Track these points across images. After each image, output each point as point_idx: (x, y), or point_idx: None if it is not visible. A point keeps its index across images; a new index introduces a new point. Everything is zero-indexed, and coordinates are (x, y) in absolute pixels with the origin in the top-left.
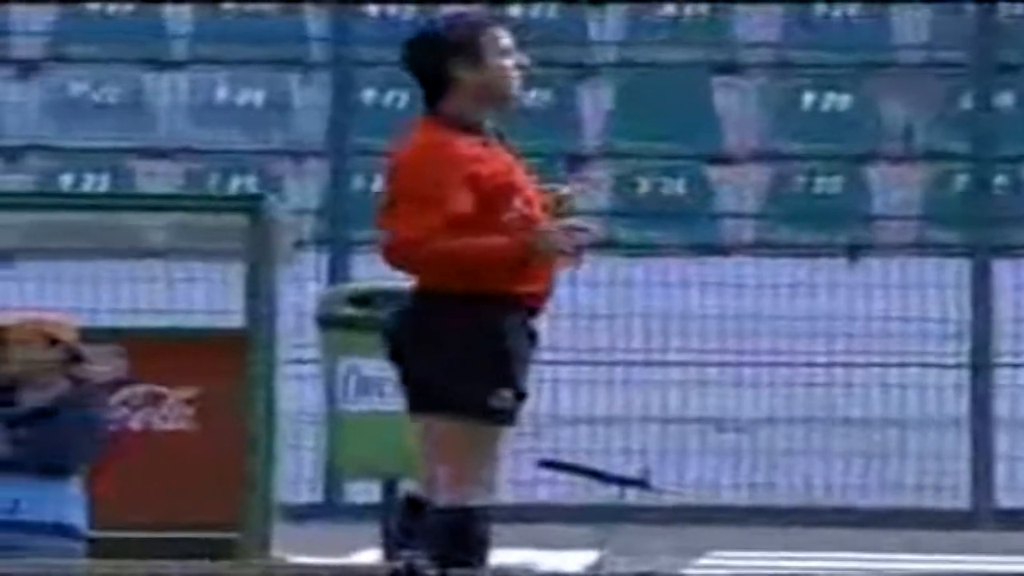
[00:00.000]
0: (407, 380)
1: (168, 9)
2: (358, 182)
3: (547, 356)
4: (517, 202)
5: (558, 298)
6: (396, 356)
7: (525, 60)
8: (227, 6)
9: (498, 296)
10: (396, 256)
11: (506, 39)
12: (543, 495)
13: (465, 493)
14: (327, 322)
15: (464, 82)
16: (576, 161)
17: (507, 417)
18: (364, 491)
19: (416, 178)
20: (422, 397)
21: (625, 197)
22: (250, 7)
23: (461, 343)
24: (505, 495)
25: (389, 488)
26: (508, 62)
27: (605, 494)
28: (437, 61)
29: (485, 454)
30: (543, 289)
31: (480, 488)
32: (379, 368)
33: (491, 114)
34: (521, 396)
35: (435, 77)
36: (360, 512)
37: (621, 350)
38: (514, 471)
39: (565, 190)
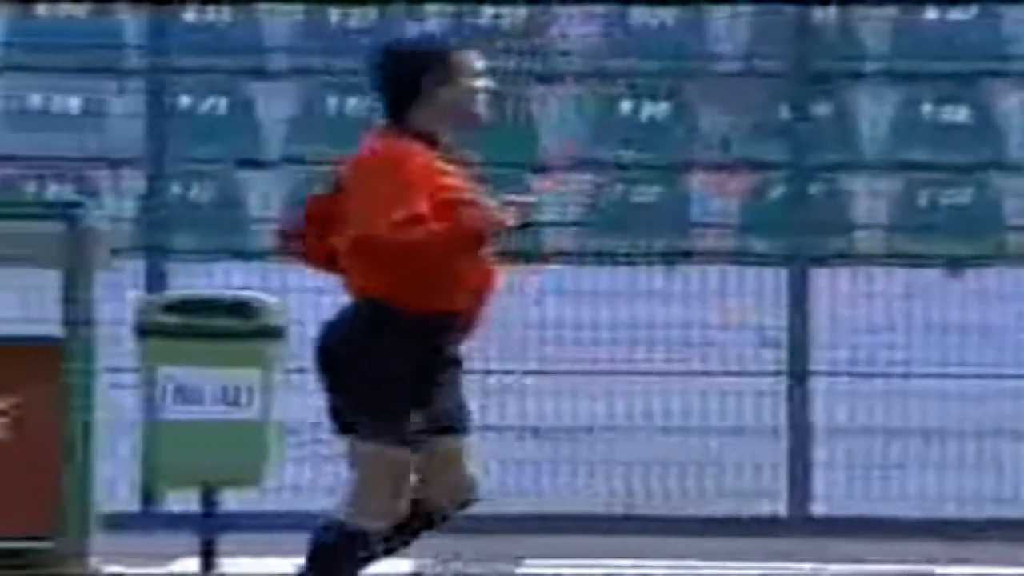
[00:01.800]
0: (335, 394)
1: None
2: (175, 190)
3: None
4: (485, 200)
5: None
6: (324, 369)
7: (492, 84)
8: (40, 11)
9: (432, 313)
10: (363, 249)
11: (478, 61)
12: None
13: (361, 515)
14: (144, 330)
15: (434, 97)
16: None
17: (413, 442)
18: (182, 500)
19: (381, 179)
20: (340, 418)
21: None
22: (63, 11)
23: (388, 359)
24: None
25: (207, 497)
26: (478, 83)
27: None
28: (410, 74)
29: (392, 477)
30: (475, 303)
31: (377, 513)
32: (197, 376)
33: (452, 132)
34: (434, 419)
35: (405, 89)
36: (178, 521)
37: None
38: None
39: (530, 199)
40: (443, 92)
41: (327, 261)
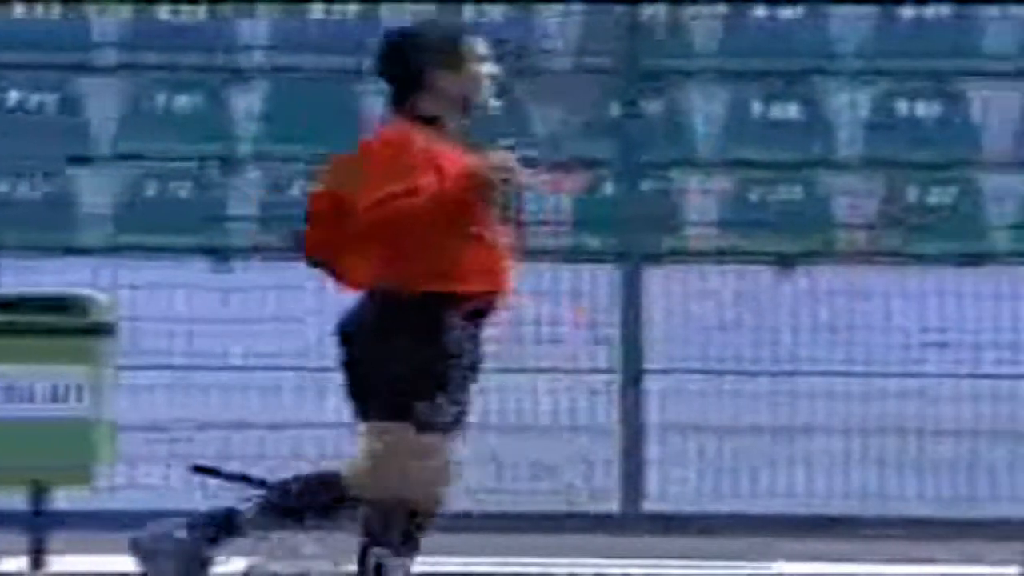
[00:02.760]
0: (356, 385)
1: None
2: (3, 187)
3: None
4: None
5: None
6: (347, 365)
7: (497, 70)
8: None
9: (441, 295)
10: (362, 220)
11: (482, 48)
12: None
13: (352, 477)
14: None
15: (440, 86)
16: None
17: (440, 425)
18: (9, 499)
19: (385, 162)
20: (361, 404)
21: None
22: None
23: (406, 351)
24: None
25: (36, 495)
26: (484, 70)
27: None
28: (417, 62)
29: (406, 459)
30: (495, 289)
31: (369, 484)
32: (26, 374)
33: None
34: (459, 404)
35: (411, 77)
36: (6, 520)
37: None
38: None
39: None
40: (448, 79)
41: (332, 254)
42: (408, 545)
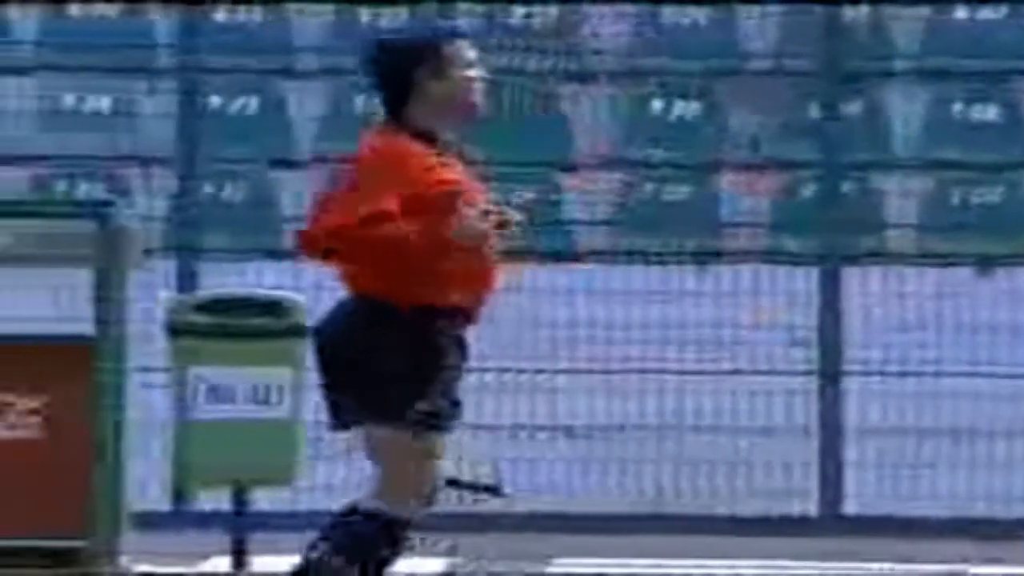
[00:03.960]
0: (339, 391)
1: (13, 13)
2: (206, 189)
3: None
4: (465, 210)
5: None
6: (326, 367)
7: (487, 73)
8: (72, 10)
9: (429, 307)
10: (314, 241)
11: (470, 51)
12: None
13: (390, 502)
14: (176, 330)
15: (427, 91)
16: None
17: (437, 423)
18: (213, 499)
19: (363, 176)
20: (340, 415)
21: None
22: (96, 11)
23: (392, 353)
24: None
25: (238, 496)
26: (471, 74)
27: (456, 501)
28: (401, 68)
29: (417, 462)
30: (474, 299)
31: (404, 499)
32: (228, 376)
33: (451, 127)
34: (455, 404)
35: (398, 84)
36: (209, 520)
37: (474, 357)
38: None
39: (515, 216)
40: (436, 85)
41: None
42: (395, 552)
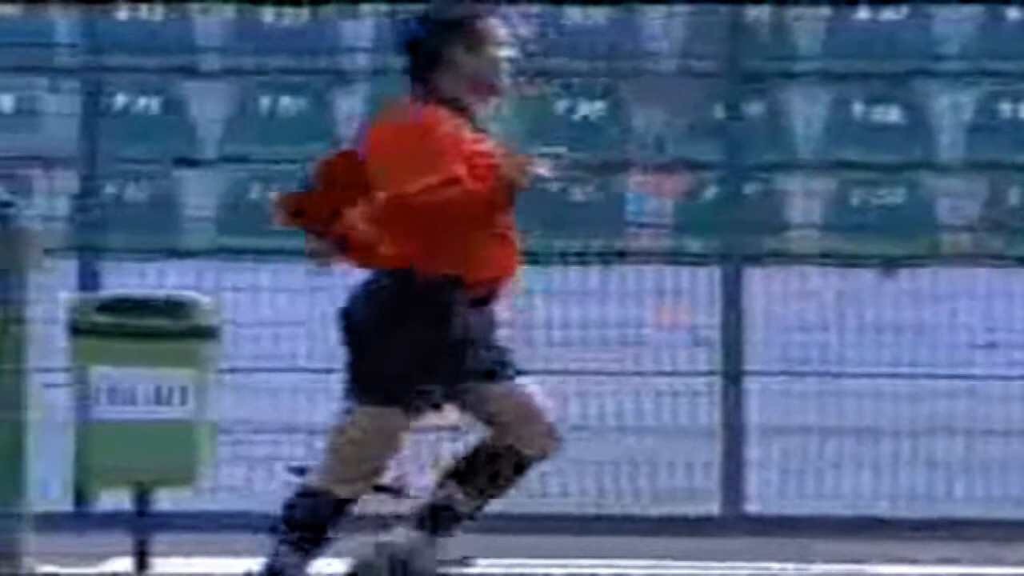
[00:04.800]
0: (360, 368)
1: None
2: (108, 189)
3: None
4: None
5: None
6: (351, 341)
7: (516, 55)
8: None
9: (453, 282)
10: (396, 211)
11: (503, 31)
12: None
13: (337, 481)
14: (77, 330)
15: (458, 64)
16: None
17: (415, 408)
18: (115, 500)
19: (412, 144)
20: (372, 390)
21: None
22: None
23: (400, 334)
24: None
25: (140, 497)
26: (501, 53)
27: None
28: (436, 40)
29: (378, 443)
30: (500, 273)
31: (359, 479)
32: (130, 376)
33: (474, 103)
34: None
35: (430, 55)
36: (111, 521)
37: None
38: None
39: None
40: (466, 60)
41: (326, 221)
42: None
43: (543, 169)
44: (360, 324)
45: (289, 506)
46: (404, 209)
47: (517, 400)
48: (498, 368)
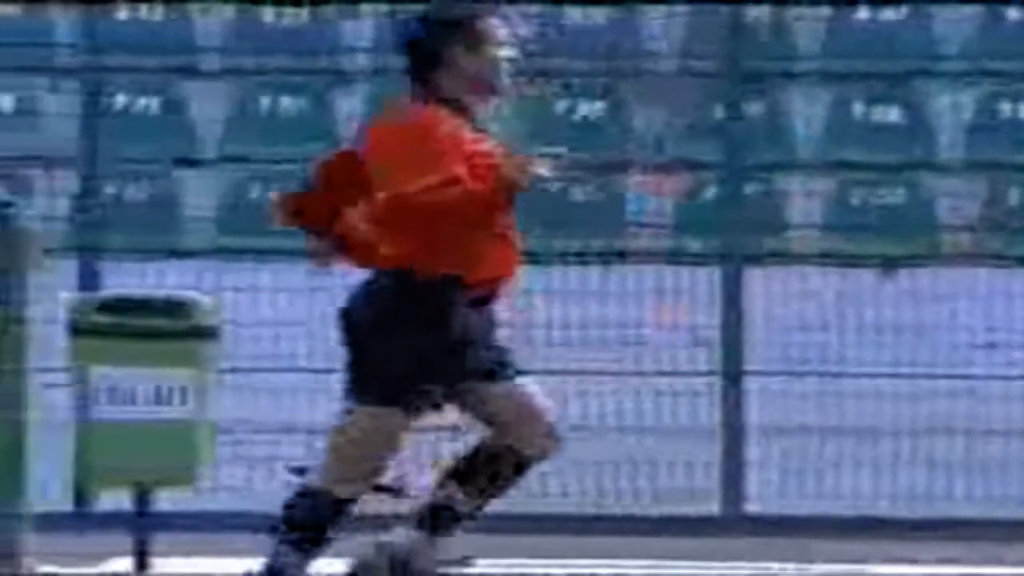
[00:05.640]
0: (360, 368)
1: None
2: (108, 189)
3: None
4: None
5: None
6: (351, 341)
7: (516, 55)
8: None
9: (453, 282)
10: (396, 211)
11: (503, 30)
12: None
13: (336, 482)
14: (78, 329)
15: (458, 64)
16: None
17: (414, 408)
18: (115, 500)
19: (412, 144)
20: (372, 389)
21: None
22: None
23: (400, 334)
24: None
25: (140, 497)
26: (501, 53)
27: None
28: (436, 40)
29: (376, 443)
30: (500, 273)
31: (359, 479)
32: (129, 376)
33: (474, 103)
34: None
35: (429, 55)
36: (111, 521)
37: None
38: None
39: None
40: (466, 60)
41: (326, 221)
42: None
43: (543, 169)
44: (360, 324)
45: (289, 506)
46: (404, 209)
47: (517, 400)
48: (498, 368)
